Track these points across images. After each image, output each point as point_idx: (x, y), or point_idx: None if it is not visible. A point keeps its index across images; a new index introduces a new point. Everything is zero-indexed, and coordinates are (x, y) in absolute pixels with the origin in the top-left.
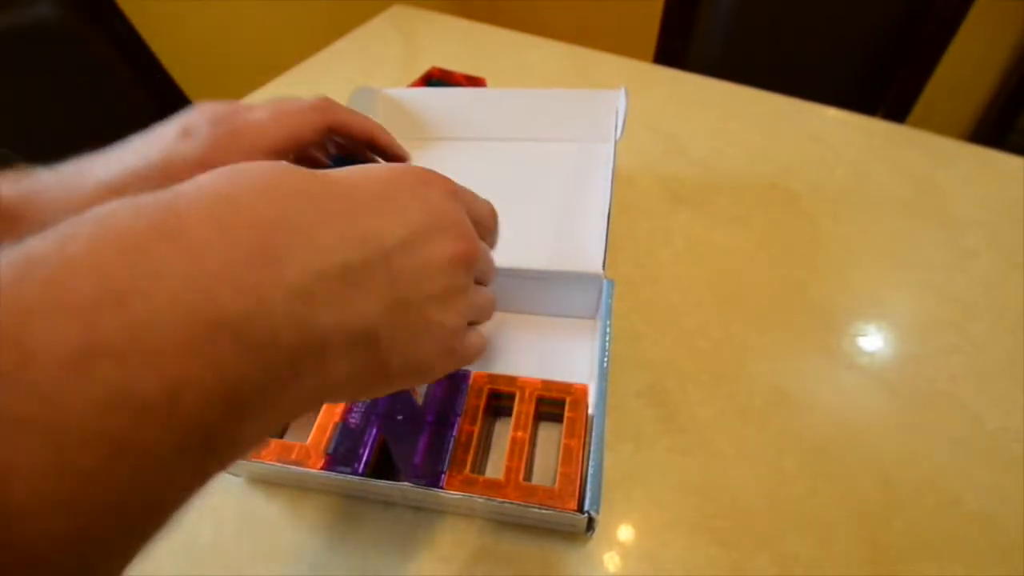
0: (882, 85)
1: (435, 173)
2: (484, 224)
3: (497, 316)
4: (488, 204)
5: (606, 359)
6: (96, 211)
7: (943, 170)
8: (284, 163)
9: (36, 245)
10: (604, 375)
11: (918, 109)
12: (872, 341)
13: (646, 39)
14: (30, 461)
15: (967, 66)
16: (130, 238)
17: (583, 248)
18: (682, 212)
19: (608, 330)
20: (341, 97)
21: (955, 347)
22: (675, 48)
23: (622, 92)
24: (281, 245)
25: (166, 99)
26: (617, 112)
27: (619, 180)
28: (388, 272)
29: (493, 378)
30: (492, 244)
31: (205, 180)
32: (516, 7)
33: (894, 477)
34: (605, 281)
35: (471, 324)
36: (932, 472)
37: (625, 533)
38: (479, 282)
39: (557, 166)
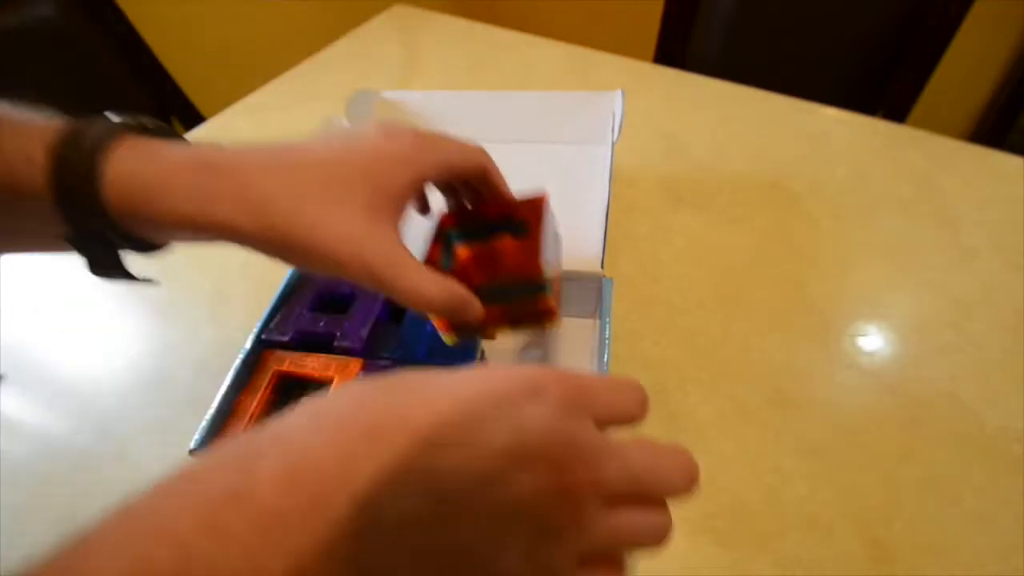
0: (882, 85)
1: (554, 372)
2: (624, 419)
3: None
4: (633, 392)
5: (606, 359)
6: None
7: (943, 170)
8: (369, 389)
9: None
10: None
11: (918, 109)
12: (872, 341)
13: (646, 39)
14: None
15: (967, 66)
16: (209, 499)
17: (582, 248)
18: (682, 212)
19: (608, 330)
20: (340, 97)
21: (955, 347)
22: (675, 48)
23: (619, 94)
24: (332, 501)
25: (166, 99)
26: (614, 114)
27: (619, 180)
28: (445, 527)
29: None
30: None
31: (284, 430)
32: (516, 7)
33: (894, 477)
34: (605, 280)
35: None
36: (932, 472)
37: None
38: (627, 500)
39: (555, 168)
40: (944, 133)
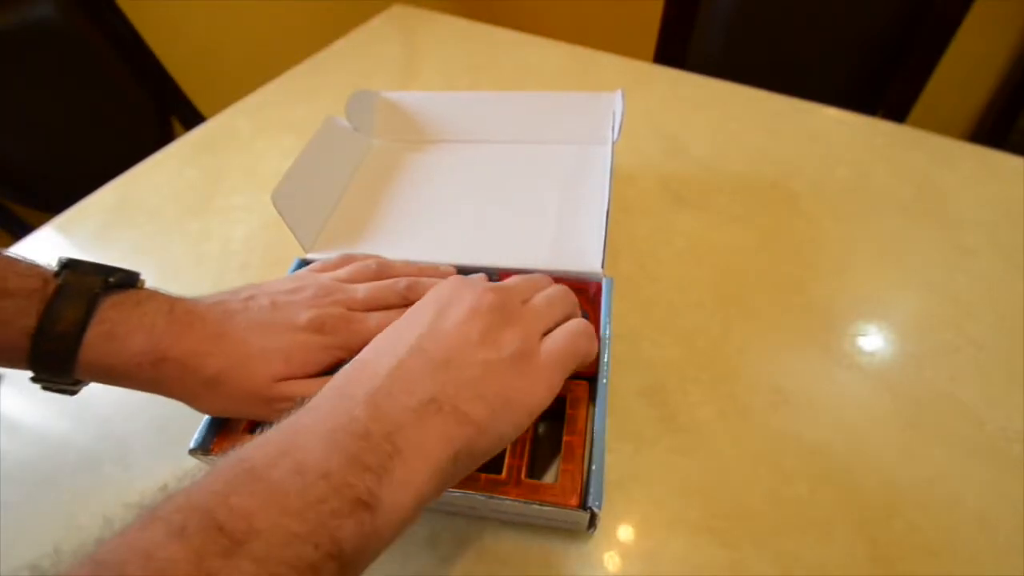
0: (882, 85)
1: (477, 282)
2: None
3: None
4: (543, 287)
5: (606, 359)
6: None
7: (943, 170)
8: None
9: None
10: (604, 374)
11: (918, 109)
12: (872, 341)
13: (646, 39)
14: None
15: (967, 66)
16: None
17: (582, 247)
18: (682, 212)
19: (608, 330)
20: (340, 97)
21: (955, 347)
22: (675, 48)
23: (619, 94)
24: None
25: (166, 99)
26: (614, 114)
27: (619, 180)
28: (424, 354)
29: None
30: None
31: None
32: (516, 7)
33: (894, 477)
34: (605, 280)
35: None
36: (932, 472)
37: (625, 533)
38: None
39: (555, 168)
40: (944, 133)
